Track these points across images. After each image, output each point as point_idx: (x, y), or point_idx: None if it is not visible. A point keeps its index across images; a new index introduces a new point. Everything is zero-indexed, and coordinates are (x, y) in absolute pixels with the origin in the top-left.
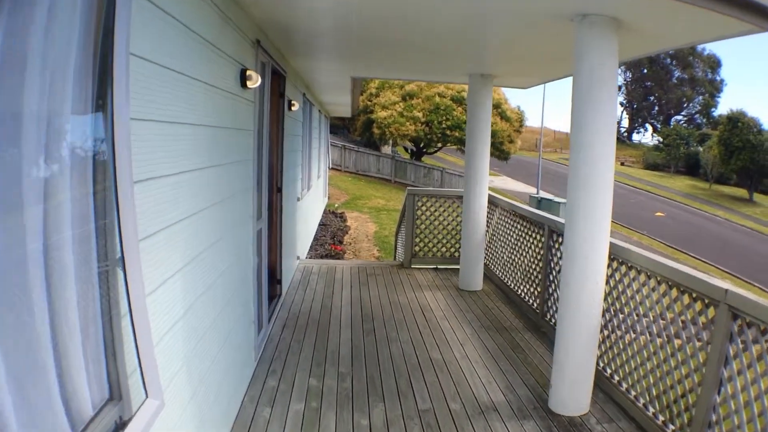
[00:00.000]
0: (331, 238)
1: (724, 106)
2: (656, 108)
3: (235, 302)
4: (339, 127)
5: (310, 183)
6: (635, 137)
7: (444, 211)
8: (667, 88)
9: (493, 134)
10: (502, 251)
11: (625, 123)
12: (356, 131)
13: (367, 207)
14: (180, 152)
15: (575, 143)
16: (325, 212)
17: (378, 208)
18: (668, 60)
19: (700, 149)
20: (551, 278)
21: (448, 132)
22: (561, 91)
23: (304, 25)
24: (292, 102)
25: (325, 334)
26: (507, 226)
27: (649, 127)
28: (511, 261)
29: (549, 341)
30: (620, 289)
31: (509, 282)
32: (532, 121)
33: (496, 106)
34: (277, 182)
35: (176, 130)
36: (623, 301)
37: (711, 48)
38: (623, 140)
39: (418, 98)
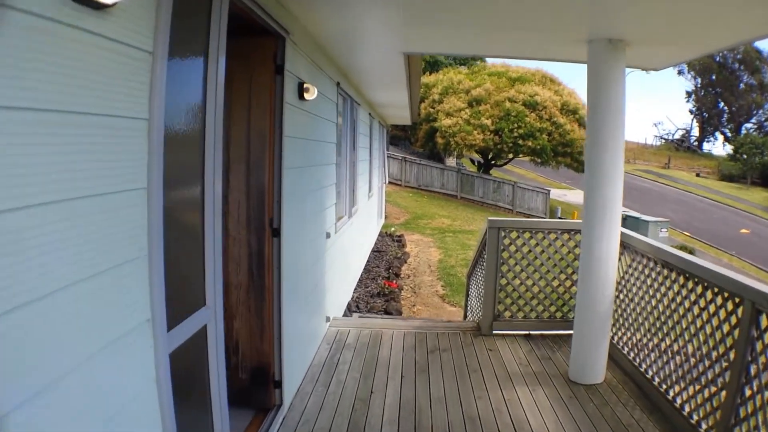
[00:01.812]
0: (385, 269)
1: None
2: (725, 115)
3: None
4: (399, 138)
5: (355, 206)
6: (705, 146)
7: (542, 251)
8: (737, 95)
9: (570, 143)
10: (641, 324)
11: (696, 132)
12: (418, 142)
13: (429, 228)
14: None
15: None
16: (380, 235)
17: (442, 229)
18: (736, 65)
19: None
20: (747, 389)
21: (520, 141)
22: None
23: None
24: (305, 86)
25: None
26: (652, 284)
27: (720, 136)
28: (657, 342)
29: None
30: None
31: (653, 375)
32: None
33: (573, 111)
34: (271, 219)
35: None
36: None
37: None
38: (694, 150)
39: (487, 104)
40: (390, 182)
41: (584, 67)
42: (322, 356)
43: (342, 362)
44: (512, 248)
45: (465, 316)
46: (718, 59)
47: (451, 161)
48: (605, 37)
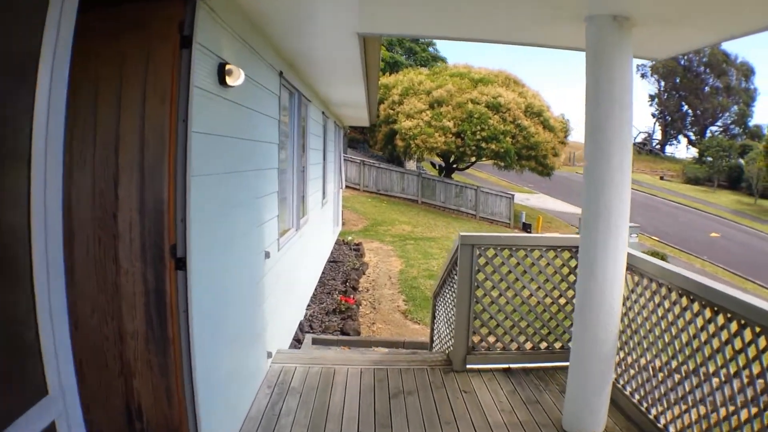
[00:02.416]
0: (342, 282)
1: (758, 116)
2: (689, 118)
3: None
4: (357, 140)
5: (305, 216)
6: (668, 150)
7: (524, 272)
8: (702, 97)
9: (535, 146)
10: (649, 362)
11: (658, 135)
12: (377, 144)
13: (389, 235)
14: None
15: None
16: (337, 243)
17: (403, 236)
18: (702, 68)
19: (742, 162)
20: None
21: (483, 144)
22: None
23: None
24: (228, 67)
25: None
26: (664, 315)
27: (683, 139)
28: (673, 386)
29: None
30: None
31: (666, 424)
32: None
33: (538, 113)
34: (174, 247)
35: None
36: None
37: (744, 55)
38: (656, 153)
39: (448, 105)
40: (348, 186)
41: (548, 68)
42: (260, 405)
43: (285, 413)
44: (489, 269)
45: (431, 341)
46: (682, 62)
47: (411, 165)
48: (608, 13)
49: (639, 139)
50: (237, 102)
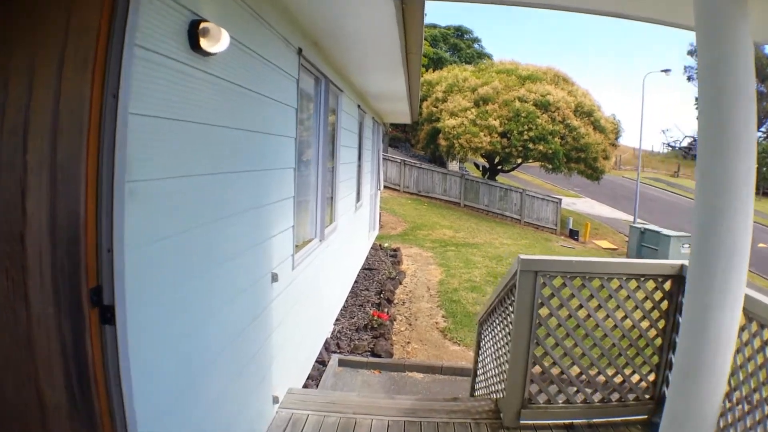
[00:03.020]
0: (376, 293)
1: None
2: None
3: None
4: (399, 139)
5: (334, 223)
6: None
7: (598, 307)
8: None
9: (585, 148)
10: None
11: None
12: (419, 144)
13: (429, 240)
14: None
15: None
16: (373, 248)
17: (444, 241)
18: None
19: None
20: None
21: (530, 145)
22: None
23: None
24: (204, 25)
25: None
26: None
27: None
28: None
29: None
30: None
31: None
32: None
33: (588, 113)
34: (98, 289)
35: None
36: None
37: None
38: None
39: (495, 103)
40: (386, 187)
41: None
42: None
43: None
44: (555, 302)
45: (474, 374)
46: None
47: (453, 165)
48: None
49: (685, 144)
50: (227, 79)
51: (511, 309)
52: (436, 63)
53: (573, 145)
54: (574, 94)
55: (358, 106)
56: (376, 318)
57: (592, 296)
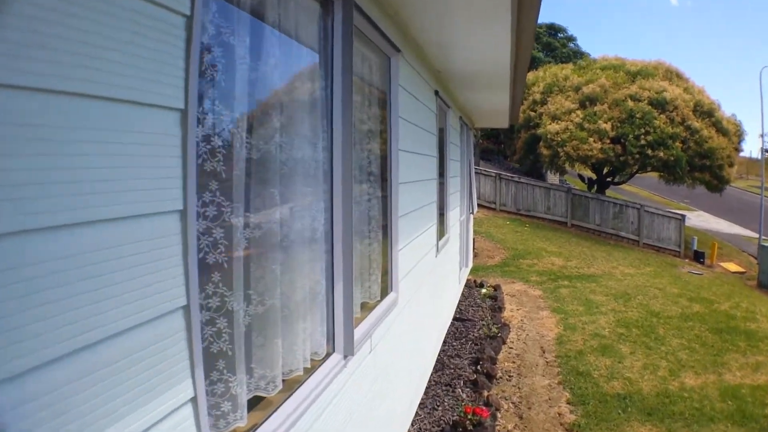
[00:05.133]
0: (471, 361)
1: None
2: None
3: None
4: (491, 150)
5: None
6: None
7: None
8: None
9: (709, 153)
10: None
11: None
12: (515, 154)
13: (535, 272)
14: None
15: None
16: (467, 286)
17: (553, 273)
18: None
19: None
20: None
21: (649, 151)
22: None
23: None
24: None
25: None
26: None
27: None
28: None
29: None
30: None
31: None
32: None
33: (708, 113)
34: None
35: None
36: None
37: None
38: None
39: (603, 104)
40: (481, 205)
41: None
42: None
43: None
44: None
45: None
46: None
47: (553, 178)
48: None
49: None
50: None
51: None
52: (530, 64)
53: (696, 151)
54: (690, 91)
55: (460, 118)
56: (471, 415)
57: None
